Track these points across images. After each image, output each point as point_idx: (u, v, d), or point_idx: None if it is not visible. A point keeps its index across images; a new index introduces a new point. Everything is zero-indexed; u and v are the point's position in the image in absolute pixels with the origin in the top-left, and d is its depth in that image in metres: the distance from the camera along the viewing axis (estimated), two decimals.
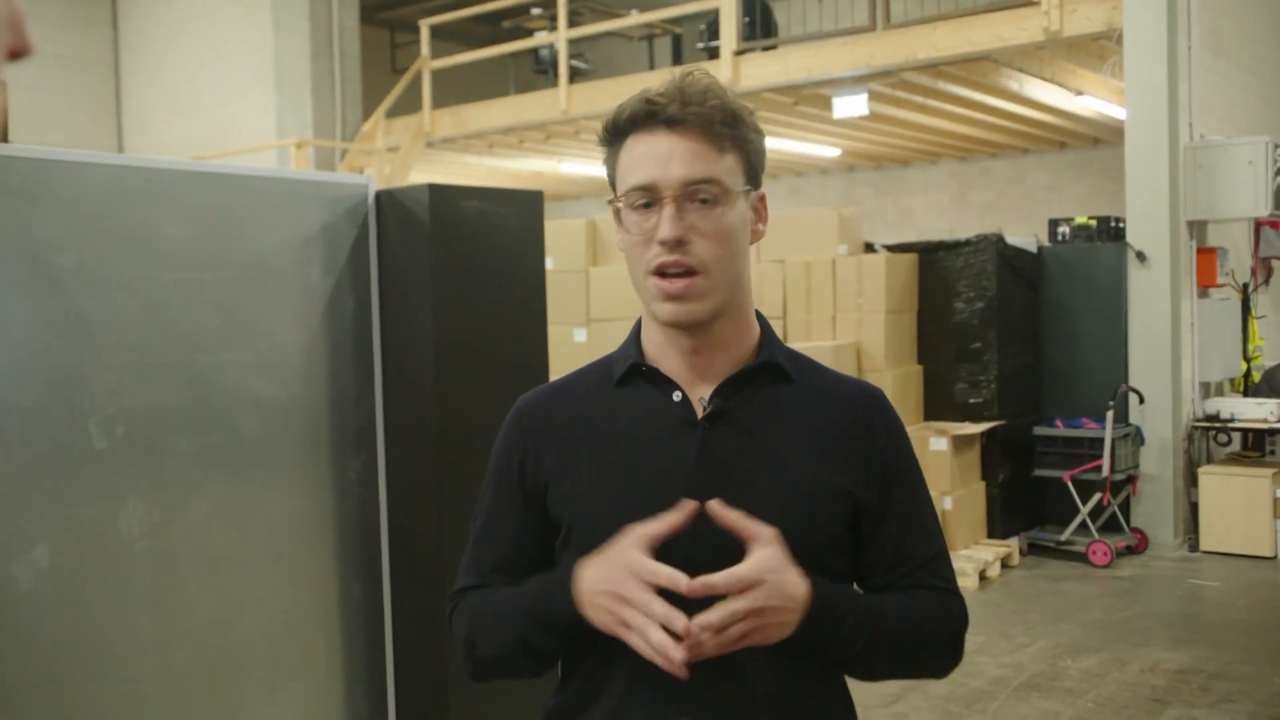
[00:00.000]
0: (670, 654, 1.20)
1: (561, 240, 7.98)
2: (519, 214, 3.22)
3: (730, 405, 1.40)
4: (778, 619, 1.26)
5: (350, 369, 3.10)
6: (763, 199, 1.43)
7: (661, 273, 1.35)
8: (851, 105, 9.00)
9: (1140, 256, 7.24)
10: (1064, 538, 7.08)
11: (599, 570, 1.29)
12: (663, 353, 1.43)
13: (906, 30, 8.46)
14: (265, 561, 2.90)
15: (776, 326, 7.38)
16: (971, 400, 7.20)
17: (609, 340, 7.78)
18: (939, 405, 7.30)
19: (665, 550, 1.28)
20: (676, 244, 1.33)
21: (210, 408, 2.81)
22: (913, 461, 1.47)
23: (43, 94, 12.57)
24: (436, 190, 3.06)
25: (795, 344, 6.98)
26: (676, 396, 1.41)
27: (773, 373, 1.43)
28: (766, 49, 9.30)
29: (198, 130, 12.20)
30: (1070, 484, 6.99)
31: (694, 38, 11.05)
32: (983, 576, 6.60)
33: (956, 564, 6.48)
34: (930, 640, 1.43)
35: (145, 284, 2.70)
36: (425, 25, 11.56)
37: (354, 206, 3.11)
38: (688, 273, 1.34)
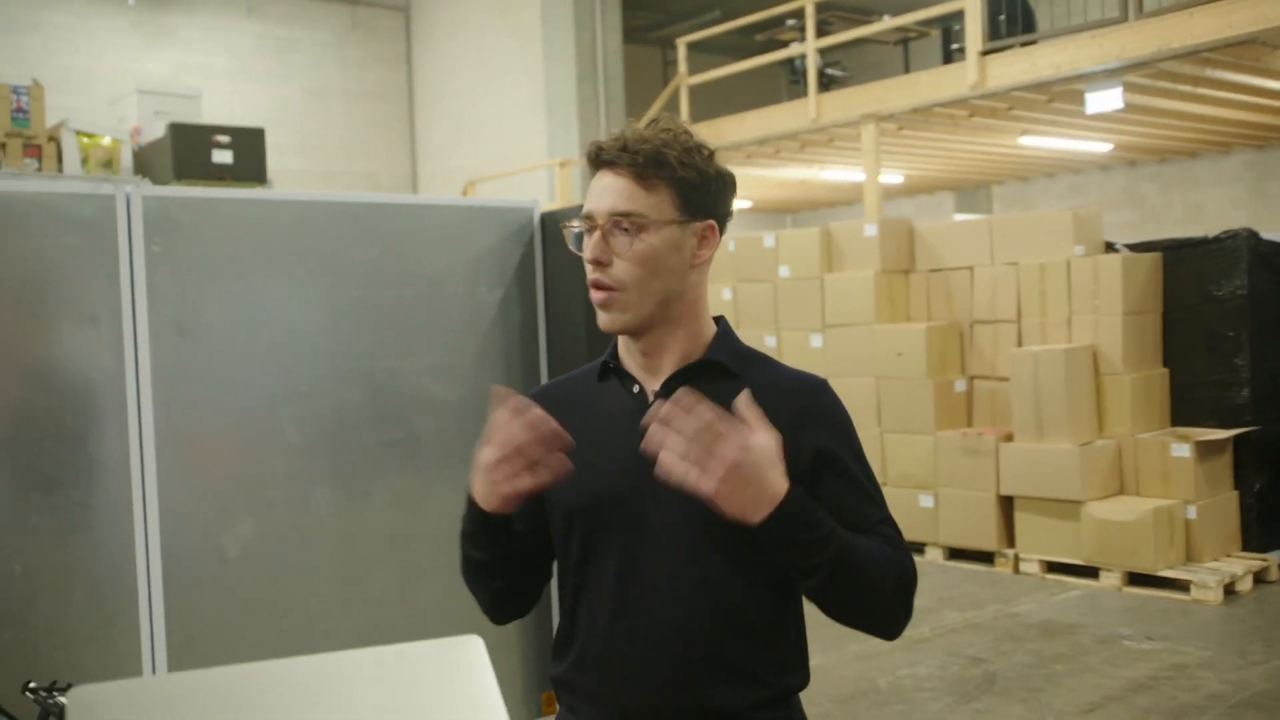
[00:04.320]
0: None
1: (797, 248, 8.16)
2: None
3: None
4: (749, 491, 1.44)
5: (518, 374, 3.47)
6: (711, 227, 1.67)
7: (597, 286, 1.64)
8: (1105, 100, 8.67)
9: None
10: None
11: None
12: (627, 354, 1.75)
13: (1160, 19, 8.06)
14: (435, 541, 3.31)
15: (1010, 330, 7.26)
16: (1223, 404, 6.80)
17: (843, 346, 7.95)
18: (1188, 409, 6.93)
19: (610, 538, 1.63)
20: (596, 264, 1.62)
21: (389, 408, 3.25)
22: (851, 442, 1.69)
23: (350, 128, 13.99)
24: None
25: (1029, 347, 6.86)
26: (635, 389, 1.72)
27: (715, 371, 1.68)
28: (1025, 45, 9.07)
29: (479, 155, 13.17)
30: None
31: (951, 38, 10.89)
32: (1231, 591, 6.25)
33: (1199, 576, 6.20)
34: (885, 579, 1.58)
35: (334, 301, 3.17)
36: (682, 44, 11.99)
37: (520, 228, 3.49)
38: (609, 289, 1.63)
